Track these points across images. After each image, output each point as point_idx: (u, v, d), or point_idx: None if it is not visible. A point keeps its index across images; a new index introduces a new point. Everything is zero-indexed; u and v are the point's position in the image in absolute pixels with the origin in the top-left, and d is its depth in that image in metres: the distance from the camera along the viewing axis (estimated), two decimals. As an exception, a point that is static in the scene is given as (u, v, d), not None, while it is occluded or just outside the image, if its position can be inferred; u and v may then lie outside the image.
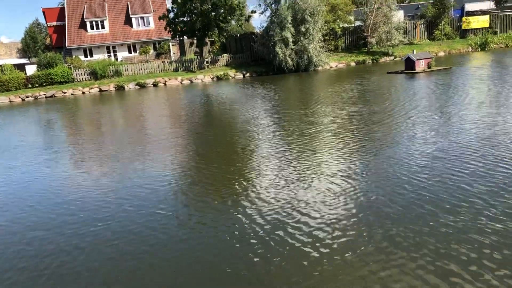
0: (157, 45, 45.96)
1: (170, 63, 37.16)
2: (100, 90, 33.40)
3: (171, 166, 10.01)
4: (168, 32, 38.52)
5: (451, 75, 21.99)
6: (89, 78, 34.89)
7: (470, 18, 42.50)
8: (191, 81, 34.22)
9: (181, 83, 34.11)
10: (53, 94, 32.74)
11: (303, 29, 33.22)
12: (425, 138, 10.10)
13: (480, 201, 6.32)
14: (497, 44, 38.73)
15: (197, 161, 10.33)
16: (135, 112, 21.03)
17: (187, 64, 36.73)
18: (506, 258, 4.82)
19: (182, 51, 45.63)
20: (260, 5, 35.30)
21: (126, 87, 33.32)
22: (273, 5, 34.51)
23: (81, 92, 33.16)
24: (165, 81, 34.20)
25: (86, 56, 43.95)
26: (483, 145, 9.07)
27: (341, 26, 38.46)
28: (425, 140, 9.87)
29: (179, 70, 36.28)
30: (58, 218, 7.33)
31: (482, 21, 42.34)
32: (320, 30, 34.59)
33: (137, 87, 33.51)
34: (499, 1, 43.42)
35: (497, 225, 5.58)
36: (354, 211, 6.43)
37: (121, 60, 41.94)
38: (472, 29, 41.88)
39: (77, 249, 6.07)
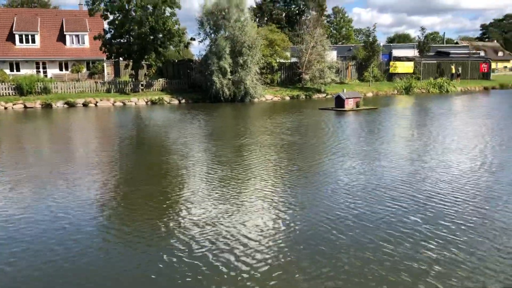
0: (90, 64, 44.57)
1: (103, 83, 36.05)
2: (25, 107, 31.52)
3: (97, 191, 9.52)
4: (103, 53, 37.51)
5: (377, 114, 23.21)
6: (13, 93, 32.87)
7: (397, 63, 45.55)
8: (124, 104, 33.34)
9: (113, 104, 33.13)
10: (-29, 107, 30.45)
11: (241, 61, 33.74)
12: (358, 171, 10.43)
13: (416, 232, 6.59)
14: (420, 89, 41.62)
15: (126, 186, 9.92)
16: (62, 133, 20.01)
17: (121, 86, 35.83)
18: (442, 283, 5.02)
19: (117, 73, 44.55)
20: (199, 33, 35.63)
21: (54, 105, 31.73)
22: (212, 35, 34.92)
23: (2, 108, 31.10)
24: (96, 102, 33.05)
25: (12, 70, 41.56)
26: (413, 179, 9.54)
27: (278, 61, 39.59)
28: (358, 173, 10.20)
29: (112, 91, 35.24)
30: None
31: (407, 67, 45.51)
32: (258, 63, 35.32)
33: (65, 106, 32.04)
34: (422, 50, 46.94)
35: (433, 254, 5.81)
36: (294, 241, 6.40)
37: (51, 77, 40.07)
38: (398, 73, 44.84)
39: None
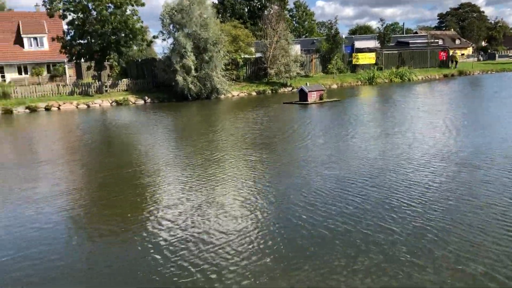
0: (51, 67, 43.47)
1: (65, 86, 35.26)
2: (-16, 113, 30.50)
3: (72, 196, 9.44)
4: (64, 54, 36.59)
5: (339, 106, 23.67)
6: (-30, 100, 31.74)
7: (359, 55, 46.37)
8: (88, 106, 32.72)
9: (77, 107, 32.46)
10: None
11: (206, 57, 33.61)
12: (324, 163, 10.68)
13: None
14: (382, 79, 42.56)
15: (98, 189, 9.88)
16: (25, 138, 19.53)
17: (84, 88, 35.14)
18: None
19: (79, 75, 43.65)
20: (163, 32, 35.28)
21: (14, 111, 30.80)
22: (175, 33, 34.60)
23: (-40, 115, 30.00)
24: (59, 105, 32.28)
25: (-33, 76, 40.10)
26: (377, 172, 9.84)
27: (242, 56, 39.66)
28: (327, 165, 10.45)
29: (75, 94, 34.54)
30: None
31: (369, 58, 46.38)
32: (223, 59, 35.30)
33: (27, 110, 31.15)
34: (383, 41, 47.91)
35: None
36: (268, 241, 6.58)
37: (10, 82, 38.89)
38: (361, 64, 45.69)
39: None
